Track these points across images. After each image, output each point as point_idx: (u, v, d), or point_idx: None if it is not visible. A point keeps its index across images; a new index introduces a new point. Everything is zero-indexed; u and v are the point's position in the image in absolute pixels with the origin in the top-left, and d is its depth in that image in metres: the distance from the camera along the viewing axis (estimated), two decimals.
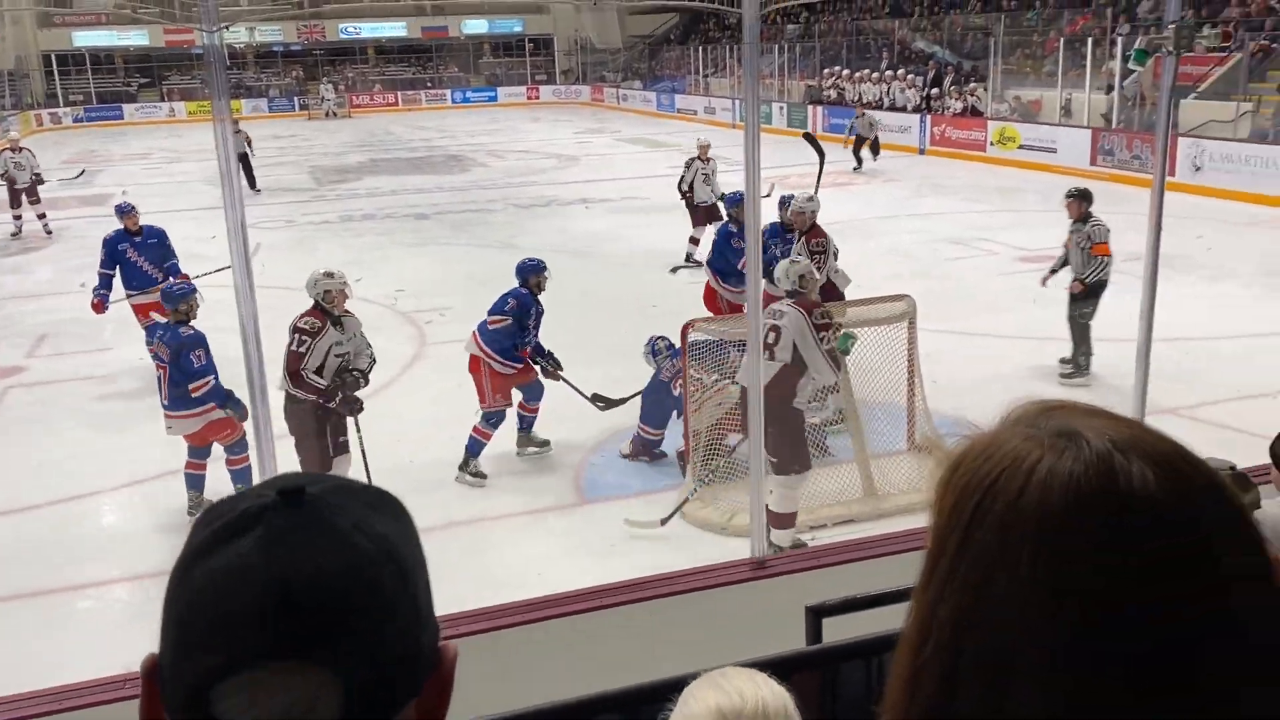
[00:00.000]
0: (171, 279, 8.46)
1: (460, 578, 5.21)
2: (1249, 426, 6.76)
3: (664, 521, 5.94)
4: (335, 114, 39.53)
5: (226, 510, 0.76)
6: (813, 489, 6.18)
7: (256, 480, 5.56)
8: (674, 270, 12.01)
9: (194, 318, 6.36)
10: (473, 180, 21.86)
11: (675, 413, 6.79)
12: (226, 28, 3.51)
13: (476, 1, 43.71)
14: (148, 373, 8.82)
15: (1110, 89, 19.91)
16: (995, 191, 17.46)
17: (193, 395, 6.16)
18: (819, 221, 8.06)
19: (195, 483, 6.37)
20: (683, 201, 13.01)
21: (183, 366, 6.12)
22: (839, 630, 2.88)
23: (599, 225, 15.78)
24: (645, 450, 6.98)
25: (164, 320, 6.69)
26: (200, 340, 6.17)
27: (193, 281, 7.19)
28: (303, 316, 6.02)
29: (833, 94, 27.90)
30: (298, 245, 14.49)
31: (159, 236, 9.16)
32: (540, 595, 3.89)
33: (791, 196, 8.33)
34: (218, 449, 6.42)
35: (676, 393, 6.71)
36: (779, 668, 1.92)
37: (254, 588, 0.71)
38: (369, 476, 5.83)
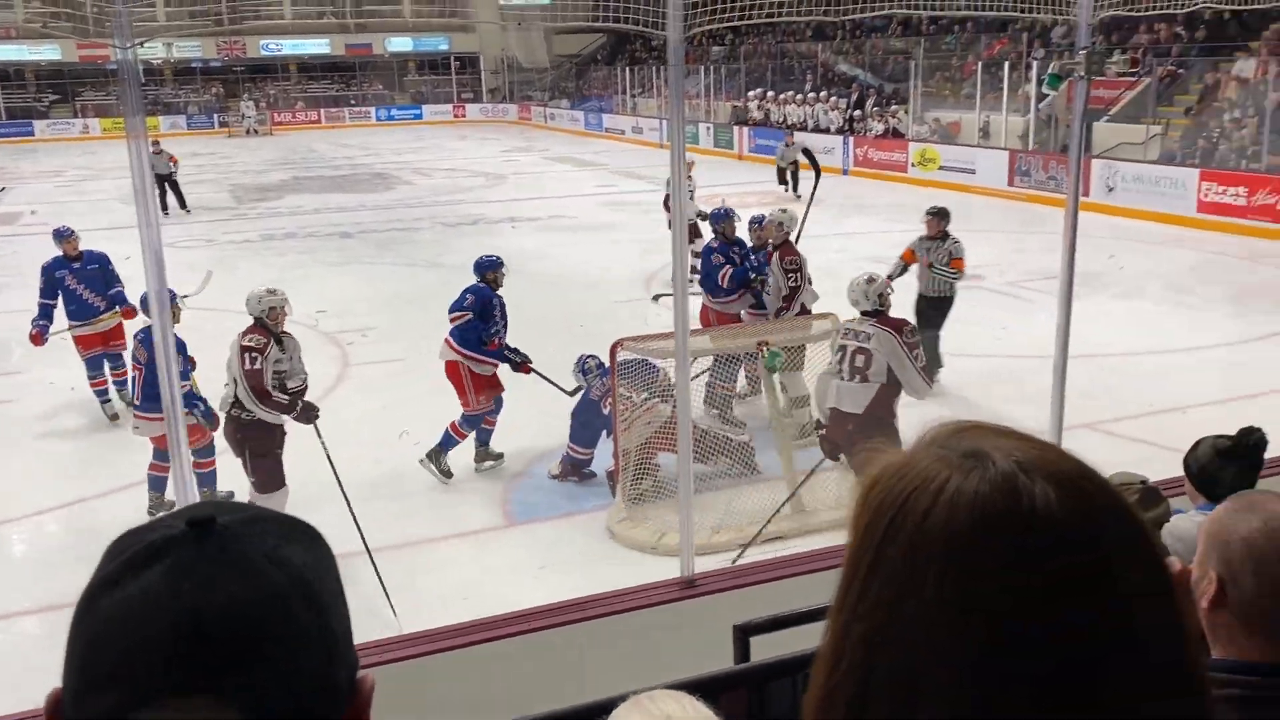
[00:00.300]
0: (118, 307, 8.20)
1: (384, 604, 5.12)
2: (1164, 440, 6.96)
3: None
4: (256, 131, 38.93)
5: (134, 541, 0.74)
6: (741, 507, 6.21)
7: (222, 487, 5.38)
8: (656, 298, 11.58)
9: (177, 321, 6.26)
10: (398, 198, 21.67)
11: (605, 432, 6.77)
12: (142, 43, 3.42)
13: (401, 20, 43.46)
14: (61, 399, 8.60)
15: (1026, 112, 20.47)
16: (916, 211, 17.61)
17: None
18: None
19: (157, 484, 6.49)
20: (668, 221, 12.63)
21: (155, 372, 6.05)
22: (767, 648, 2.88)
23: (526, 244, 15.72)
24: (574, 471, 6.95)
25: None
26: (180, 346, 6.02)
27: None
28: (247, 334, 5.93)
29: (759, 115, 28.26)
30: (217, 264, 14.14)
31: (100, 262, 8.48)
32: (466, 620, 3.83)
33: (763, 216, 8.38)
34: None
35: (606, 411, 6.69)
36: (707, 688, 1.92)
37: (161, 620, 0.69)
38: (339, 482, 5.86)
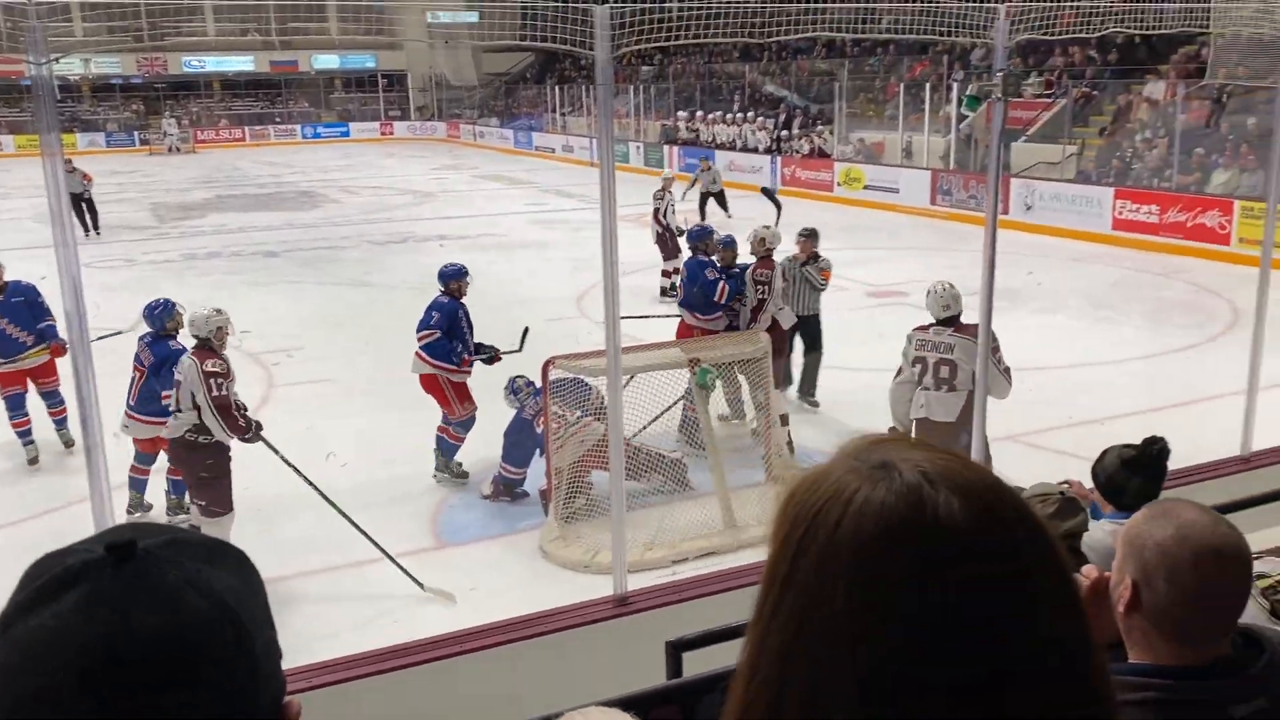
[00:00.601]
0: (47, 341, 7.73)
1: (313, 627, 5.03)
2: (1084, 451, 7.14)
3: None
4: (178, 149, 38.20)
5: (52, 565, 0.73)
6: (673, 523, 6.23)
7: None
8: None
9: (181, 330, 6.55)
10: (324, 217, 21.40)
11: (538, 451, 6.75)
12: (58, 59, 3.34)
13: (327, 37, 43.03)
14: None
15: (948, 132, 20.94)
16: (842, 230, 18.01)
17: (164, 402, 6.27)
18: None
19: (138, 485, 6.77)
20: (661, 235, 13.04)
21: (162, 377, 6.34)
22: (699, 664, 2.90)
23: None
24: (507, 490, 6.91)
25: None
26: (174, 355, 6.32)
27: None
28: (206, 359, 5.78)
29: (688, 134, 28.51)
30: (137, 285, 13.85)
31: (26, 294, 7.79)
32: (396, 644, 3.79)
33: (731, 238, 8.41)
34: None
35: (539, 431, 6.67)
36: (639, 704, 1.92)
37: (74, 648, 0.68)
38: (313, 488, 5.93)
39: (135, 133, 40.23)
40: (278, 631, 0.80)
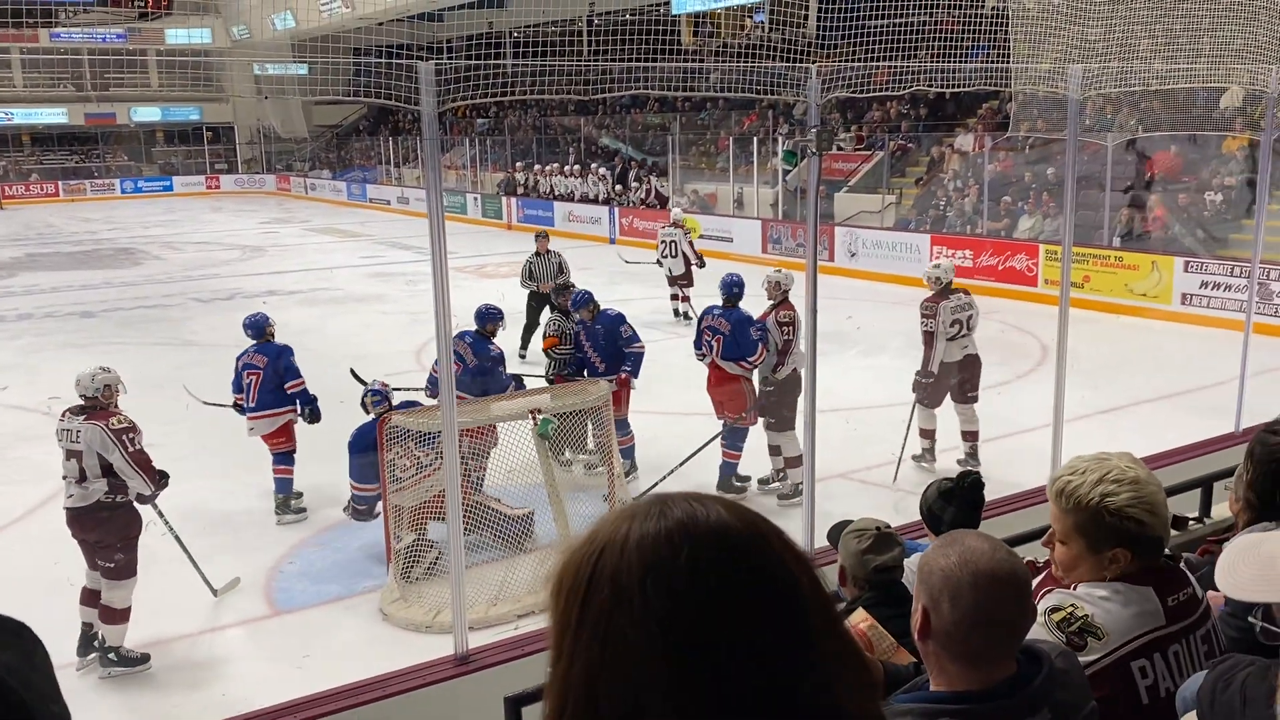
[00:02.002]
0: None
1: (134, 705, 4.76)
2: (907, 486, 7.48)
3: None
4: None
5: None
6: (518, 577, 6.17)
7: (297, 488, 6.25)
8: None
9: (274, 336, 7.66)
10: (146, 274, 20.48)
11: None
12: None
13: (148, 89, 41.46)
14: None
15: (775, 183, 21.74)
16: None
17: (287, 391, 7.40)
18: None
19: (284, 486, 7.44)
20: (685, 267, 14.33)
21: (280, 369, 7.39)
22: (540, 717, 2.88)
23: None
24: (366, 514, 6.72)
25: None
26: (290, 349, 7.57)
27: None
28: (108, 418, 5.57)
29: (526, 185, 28.65)
30: None
31: None
32: (227, 716, 3.62)
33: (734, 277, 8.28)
34: None
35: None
36: None
37: None
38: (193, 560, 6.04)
39: None
40: (73, 708, 0.77)
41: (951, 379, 8.08)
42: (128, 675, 5.38)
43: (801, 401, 5.83)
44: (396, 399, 7.06)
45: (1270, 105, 6.75)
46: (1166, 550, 2.00)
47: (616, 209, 24.37)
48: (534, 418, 6.54)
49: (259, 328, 7.63)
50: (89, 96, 41.42)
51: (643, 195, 24.40)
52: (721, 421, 7.67)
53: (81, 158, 42.62)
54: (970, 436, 8.05)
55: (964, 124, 20.54)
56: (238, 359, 7.59)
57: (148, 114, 42.85)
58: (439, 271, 4.04)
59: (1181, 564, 2.13)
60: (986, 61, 6.68)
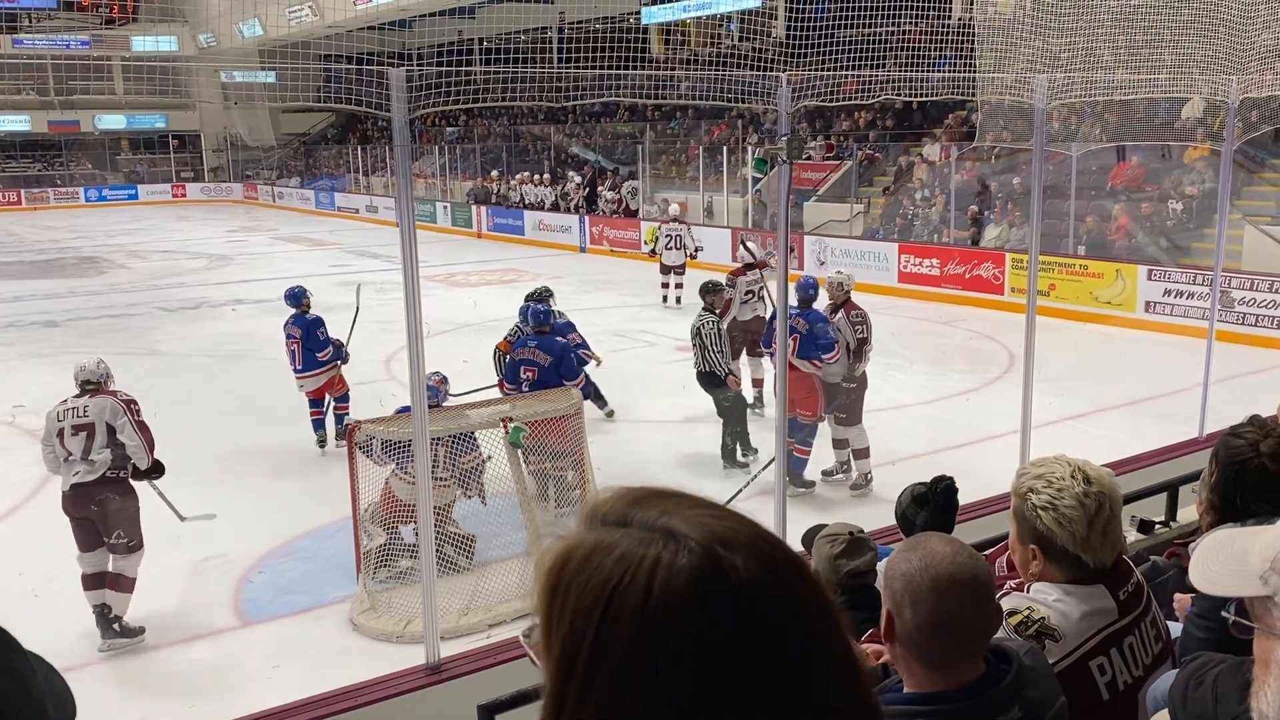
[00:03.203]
0: None
1: (102, 717, 4.69)
2: (877, 491, 7.53)
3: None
4: None
5: None
6: (489, 586, 6.14)
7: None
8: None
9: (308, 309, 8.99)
10: (111, 283, 20.24)
11: None
12: None
13: (113, 96, 41.01)
14: None
15: (745, 192, 21.83)
16: (649, 286, 18.46)
17: (320, 359, 8.80)
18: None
19: (318, 425, 8.80)
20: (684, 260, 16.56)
21: (311, 340, 8.75)
22: None
23: (256, 326, 15.07)
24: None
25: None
26: (320, 321, 8.92)
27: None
28: (116, 395, 5.99)
29: (497, 192, 28.60)
30: None
31: None
32: None
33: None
34: None
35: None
36: None
37: None
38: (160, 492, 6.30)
39: None
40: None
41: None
42: (100, 678, 5.30)
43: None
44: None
45: (1230, 116, 6.86)
46: (1099, 564, 1.98)
47: (587, 218, 24.38)
48: (505, 426, 6.52)
49: (296, 299, 9.00)
50: (52, 104, 40.94)
51: (614, 205, 24.42)
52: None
53: (45, 165, 42.11)
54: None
55: (931, 134, 20.72)
56: (283, 326, 9.05)
57: (113, 121, 42.41)
58: (410, 279, 4.02)
59: (1147, 566, 2.16)
60: (953, 72, 6.75)
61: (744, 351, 9.84)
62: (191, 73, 34.18)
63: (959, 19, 7.10)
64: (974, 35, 6.75)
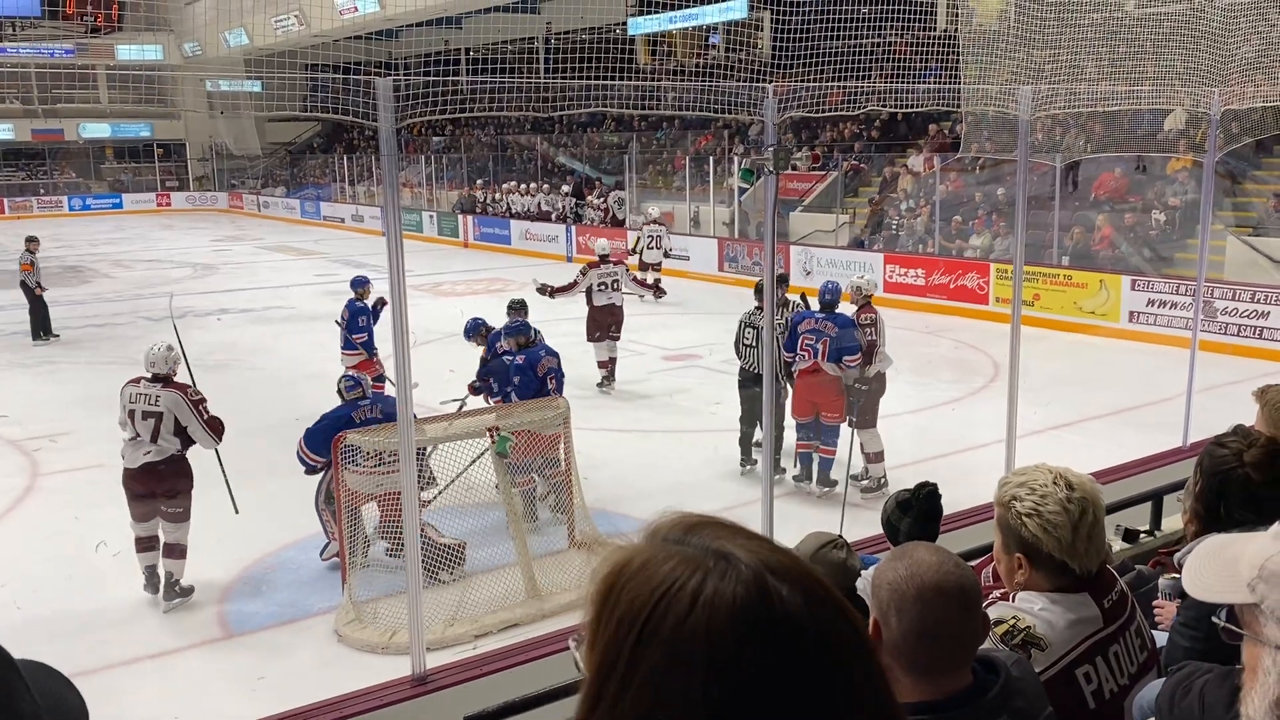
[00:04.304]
0: None
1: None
2: (864, 500, 7.53)
3: None
4: None
5: None
6: (475, 596, 6.12)
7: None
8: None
9: (367, 297, 10.06)
10: (94, 293, 20.14)
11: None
12: None
13: (97, 105, 40.88)
14: None
15: (731, 202, 21.88)
16: (636, 297, 18.49)
17: (352, 341, 9.84)
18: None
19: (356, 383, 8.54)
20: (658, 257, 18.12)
21: (351, 324, 9.93)
22: None
23: (240, 336, 15.02)
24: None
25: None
26: (363, 309, 9.86)
27: None
28: (186, 390, 6.49)
29: (484, 202, 28.59)
30: None
31: None
32: None
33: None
34: None
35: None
36: None
37: None
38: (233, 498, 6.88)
39: None
40: None
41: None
42: (81, 689, 5.25)
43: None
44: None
45: (1212, 128, 6.92)
46: (1084, 570, 1.99)
47: (574, 227, 24.41)
48: (492, 436, 6.51)
49: (356, 286, 10.26)
50: (36, 112, 40.77)
51: (601, 215, 24.44)
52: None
53: (28, 174, 41.89)
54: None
55: (915, 144, 20.81)
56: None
57: (97, 130, 42.25)
58: (397, 288, 4.01)
59: (1132, 575, 2.17)
60: (938, 83, 6.79)
61: (602, 335, 11.51)
62: (177, 81, 34.17)
63: (943, 31, 7.15)
64: (958, 47, 6.80)
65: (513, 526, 6.52)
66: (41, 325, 15.04)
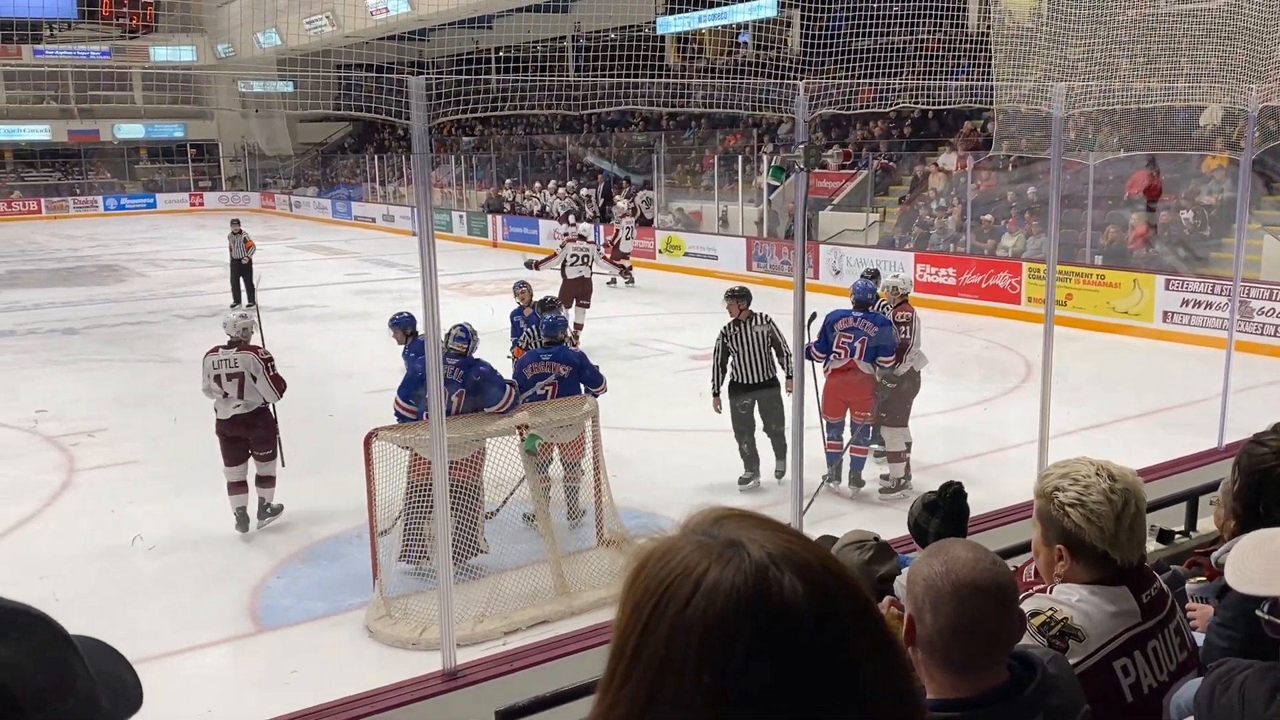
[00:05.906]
0: None
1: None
2: (895, 500, 7.49)
3: None
4: None
5: None
6: (505, 593, 6.15)
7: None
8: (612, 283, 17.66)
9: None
10: (129, 291, 20.39)
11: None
12: None
13: (132, 106, 41.35)
14: None
15: (760, 202, 21.82)
16: (665, 295, 18.50)
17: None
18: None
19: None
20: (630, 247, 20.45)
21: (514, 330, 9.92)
22: None
23: (273, 334, 15.10)
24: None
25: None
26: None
27: None
28: (259, 351, 7.47)
29: (513, 202, 28.68)
30: None
31: None
32: None
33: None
34: None
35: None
36: None
37: None
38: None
39: None
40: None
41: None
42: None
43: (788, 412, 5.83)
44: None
45: (1249, 124, 6.83)
46: (1125, 561, 1.98)
47: (600, 227, 24.43)
48: (521, 434, 6.53)
49: (517, 288, 10.31)
50: (72, 113, 41.29)
51: (629, 214, 24.45)
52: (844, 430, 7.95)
53: (64, 175, 42.45)
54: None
55: (947, 143, 20.67)
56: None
57: (131, 131, 42.74)
58: (429, 286, 4.04)
59: (1168, 575, 2.15)
60: (970, 81, 6.74)
61: (573, 303, 13.23)
62: (210, 82, 34.51)
63: (975, 28, 7.10)
64: (990, 44, 6.74)
65: (542, 524, 6.55)
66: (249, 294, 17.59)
